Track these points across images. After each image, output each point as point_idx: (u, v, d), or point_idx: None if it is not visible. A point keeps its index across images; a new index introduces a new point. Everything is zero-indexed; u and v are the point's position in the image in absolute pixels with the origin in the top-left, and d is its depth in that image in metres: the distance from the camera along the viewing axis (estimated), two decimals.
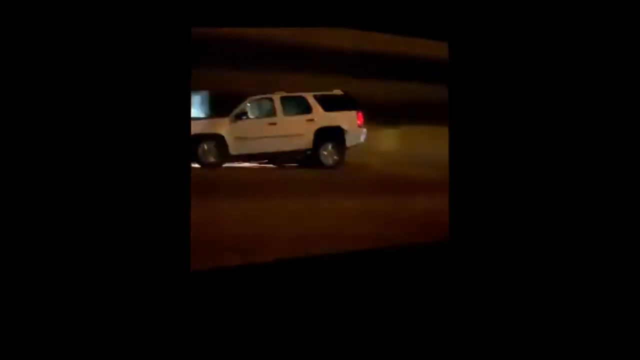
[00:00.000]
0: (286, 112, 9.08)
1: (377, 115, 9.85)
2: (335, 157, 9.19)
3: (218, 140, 8.68)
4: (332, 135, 9.14)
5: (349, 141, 9.28)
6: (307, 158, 9.25)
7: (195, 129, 8.57)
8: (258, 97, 9.12)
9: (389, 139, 10.27)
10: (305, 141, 9.03)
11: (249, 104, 9.01)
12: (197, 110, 9.26)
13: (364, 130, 9.51)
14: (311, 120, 9.10)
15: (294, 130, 8.98)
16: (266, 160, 9.15)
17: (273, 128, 8.93)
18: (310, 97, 9.21)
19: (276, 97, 9.12)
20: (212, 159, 8.64)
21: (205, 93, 9.47)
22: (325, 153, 9.15)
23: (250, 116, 8.95)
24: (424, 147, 8.76)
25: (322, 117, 9.14)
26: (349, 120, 9.29)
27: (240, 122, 8.83)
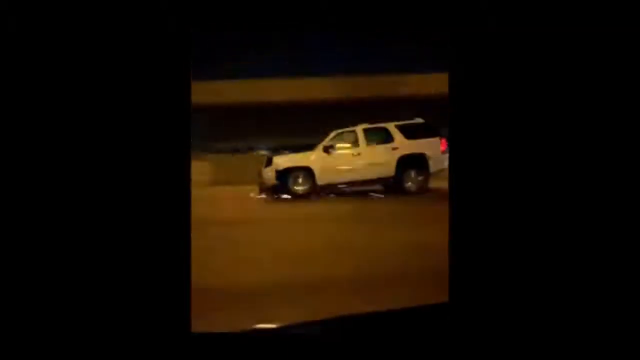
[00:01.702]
0: (369, 142, 9.57)
1: None
2: (418, 184, 9.40)
3: (307, 172, 9.41)
4: (415, 162, 9.40)
5: (433, 167, 9.45)
6: (391, 185, 9.59)
7: (285, 162, 9.48)
8: (342, 130, 9.76)
9: None
10: (388, 169, 9.39)
11: (334, 137, 9.67)
12: None
13: (447, 155, 9.61)
14: (394, 148, 9.47)
15: (377, 159, 9.40)
16: (351, 189, 9.67)
17: (357, 158, 9.45)
18: (391, 127, 9.62)
19: (359, 129, 9.67)
20: (301, 190, 9.38)
21: None
22: (408, 180, 9.42)
23: (336, 148, 9.58)
24: None
25: (404, 145, 9.47)
26: (432, 147, 9.49)
27: (326, 154, 9.50)
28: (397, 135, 9.54)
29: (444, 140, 9.62)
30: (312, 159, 9.49)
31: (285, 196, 9.37)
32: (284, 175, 9.38)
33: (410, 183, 9.41)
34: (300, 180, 9.41)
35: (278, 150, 9.77)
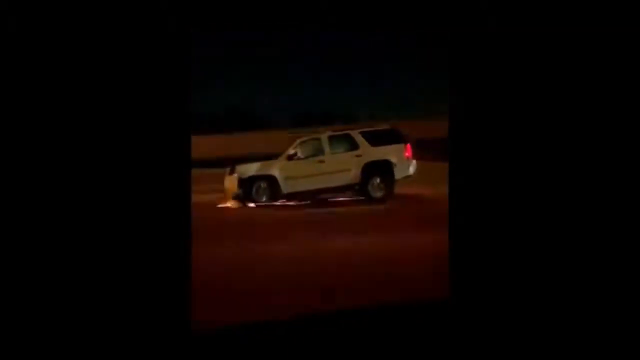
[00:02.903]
0: (333, 149, 9.48)
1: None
2: (383, 190, 9.33)
3: (270, 181, 9.27)
4: (380, 168, 9.34)
5: (398, 173, 9.40)
6: (356, 192, 9.50)
7: (249, 171, 9.33)
8: (307, 137, 9.66)
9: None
10: (353, 176, 9.31)
11: (298, 145, 9.57)
12: None
13: (414, 161, 9.59)
14: (358, 155, 9.40)
15: (342, 166, 9.32)
16: (314, 197, 9.55)
17: (321, 166, 9.34)
18: (356, 134, 9.55)
19: (324, 137, 9.57)
20: (265, 198, 9.22)
21: None
22: (373, 186, 9.34)
23: (300, 156, 9.47)
24: None
25: (369, 152, 9.41)
26: (397, 153, 9.45)
27: (290, 163, 9.38)
28: (362, 142, 9.48)
29: (408, 146, 9.59)
30: (275, 167, 9.35)
31: (251, 204, 9.22)
32: (248, 183, 9.23)
33: (375, 189, 9.34)
34: (263, 188, 9.27)
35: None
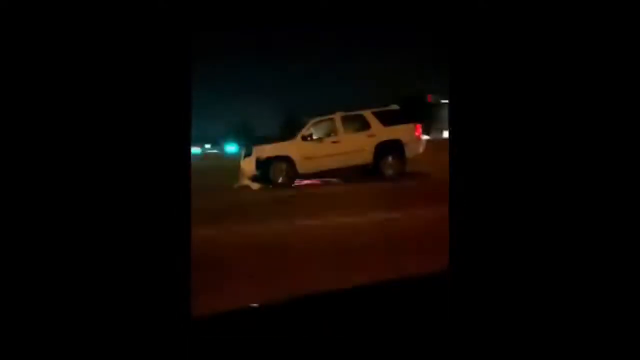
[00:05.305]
0: (347, 130, 9.77)
1: None
2: (395, 168, 9.71)
3: (287, 162, 9.55)
4: (392, 147, 9.67)
5: (409, 152, 9.76)
6: (369, 171, 9.86)
7: (266, 152, 9.57)
8: (320, 118, 9.92)
9: None
10: (366, 155, 9.64)
11: (312, 126, 9.82)
12: None
13: (423, 141, 9.96)
14: (371, 135, 9.71)
15: (356, 146, 9.62)
16: (331, 176, 9.88)
17: (336, 146, 9.64)
18: (368, 114, 9.84)
19: (337, 117, 9.84)
20: (282, 179, 9.51)
21: None
22: (386, 165, 9.70)
23: (315, 137, 9.74)
24: None
25: (381, 132, 9.72)
26: (408, 133, 9.79)
27: (306, 143, 9.65)
28: (374, 122, 9.78)
29: (418, 126, 9.94)
30: (291, 148, 9.62)
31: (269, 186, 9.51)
32: (265, 165, 9.48)
33: (387, 168, 9.70)
34: (280, 169, 9.54)
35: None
